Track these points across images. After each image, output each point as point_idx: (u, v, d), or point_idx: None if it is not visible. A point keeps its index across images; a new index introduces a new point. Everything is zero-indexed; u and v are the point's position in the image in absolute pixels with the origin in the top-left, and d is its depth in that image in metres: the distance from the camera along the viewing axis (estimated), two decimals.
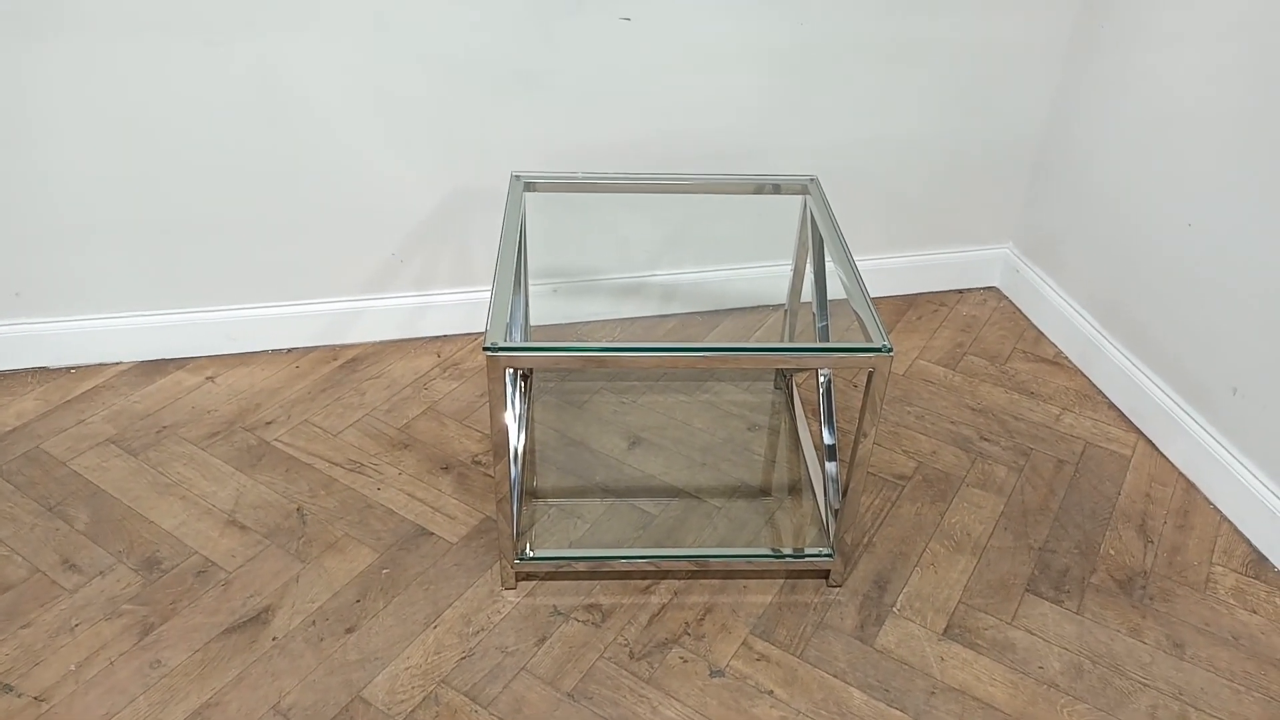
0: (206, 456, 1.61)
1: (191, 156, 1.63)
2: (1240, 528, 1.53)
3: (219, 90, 1.58)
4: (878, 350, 1.19)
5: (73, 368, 1.80)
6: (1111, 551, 1.49)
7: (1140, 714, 1.25)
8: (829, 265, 1.55)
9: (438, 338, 1.94)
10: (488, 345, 1.17)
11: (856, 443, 1.27)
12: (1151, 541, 1.51)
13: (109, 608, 1.34)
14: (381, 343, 1.92)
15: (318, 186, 1.72)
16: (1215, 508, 1.58)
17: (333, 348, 1.89)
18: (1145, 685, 1.29)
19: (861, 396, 1.81)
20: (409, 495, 1.55)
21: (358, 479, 1.57)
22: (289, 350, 1.88)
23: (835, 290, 1.66)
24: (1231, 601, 1.41)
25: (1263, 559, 1.49)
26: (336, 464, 1.60)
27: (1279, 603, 1.41)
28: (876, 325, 1.23)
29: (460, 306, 1.92)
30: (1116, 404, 1.81)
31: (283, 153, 1.67)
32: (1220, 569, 1.47)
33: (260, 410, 1.71)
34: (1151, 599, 1.41)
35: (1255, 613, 1.40)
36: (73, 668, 1.25)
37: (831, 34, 1.75)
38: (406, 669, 1.27)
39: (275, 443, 1.64)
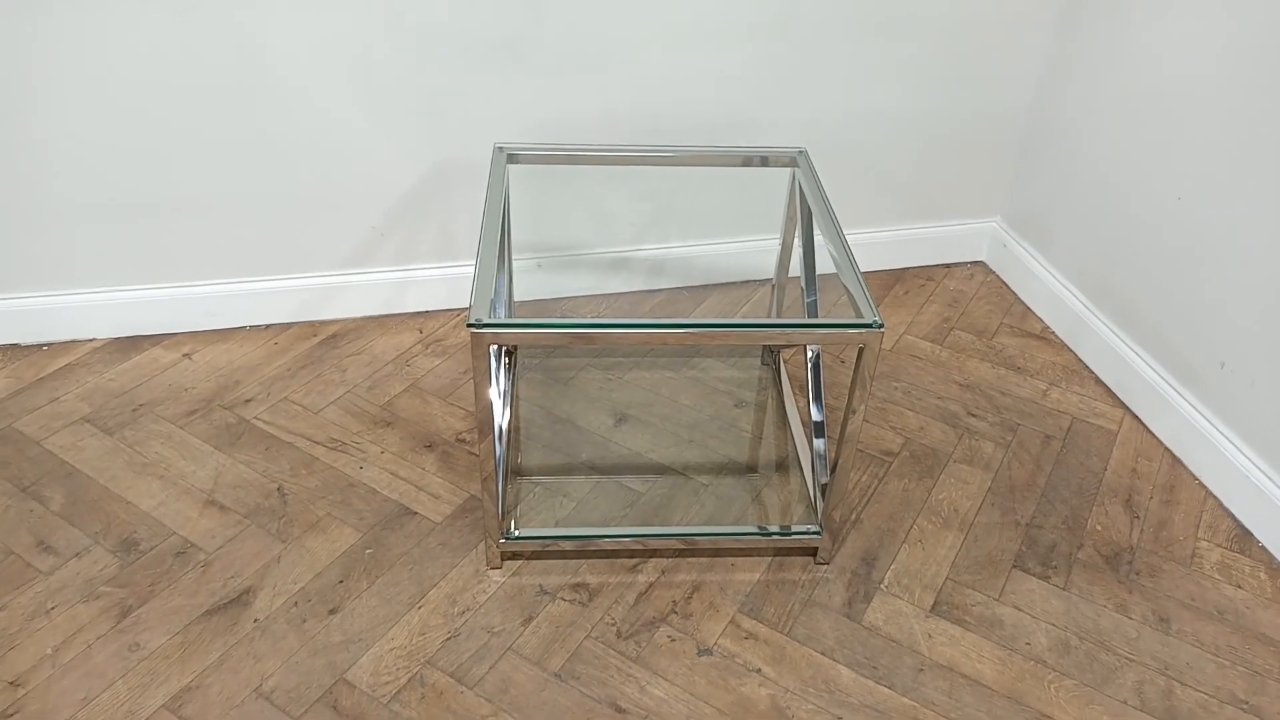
0: (184, 435, 1.58)
1: (166, 129, 1.59)
2: (1225, 503, 1.54)
3: (192, 61, 1.53)
4: (868, 326, 1.18)
5: (45, 344, 1.76)
6: (1098, 527, 1.49)
7: (1126, 689, 1.25)
8: (818, 239, 1.53)
9: (419, 313, 1.91)
10: (472, 321, 1.15)
11: (845, 419, 1.26)
12: (1138, 517, 1.51)
13: (86, 590, 1.31)
14: (362, 319, 1.88)
15: (296, 159, 1.68)
16: (1201, 483, 1.58)
17: (312, 324, 1.86)
18: (1131, 660, 1.29)
19: (850, 372, 1.80)
20: (392, 474, 1.52)
21: (339, 458, 1.55)
22: (268, 326, 1.85)
23: (824, 264, 1.64)
24: (1216, 576, 1.42)
25: (1247, 534, 1.49)
26: (318, 442, 1.58)
27: (1263, 577, 1.42)
28: (867, 300, 1.21)
29: (442, 282, 1.89)
30: (1103, 379, 1.80)
31: (260, 126, 1.63)
32: (1205, 544, 1.47)
33: (239, 388, 1.68)
34: (1138, 574, 1.41)
35: (1240, 588, 1.40)
36: (49, 651, 1.23)
37: (819, 4, 1.72)
38: (391, 650, 1.26)
39: (255, 421, 1.61)
